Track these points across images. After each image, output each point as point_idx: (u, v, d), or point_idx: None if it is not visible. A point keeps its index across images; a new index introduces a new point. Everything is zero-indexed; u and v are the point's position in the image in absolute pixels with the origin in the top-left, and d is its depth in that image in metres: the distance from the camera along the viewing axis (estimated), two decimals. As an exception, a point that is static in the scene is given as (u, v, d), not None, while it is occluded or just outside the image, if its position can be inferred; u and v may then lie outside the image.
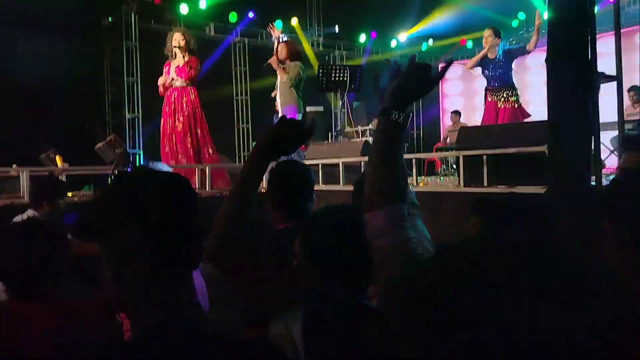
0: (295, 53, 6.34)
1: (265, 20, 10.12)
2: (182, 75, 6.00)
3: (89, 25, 8.48)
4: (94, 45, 8.60)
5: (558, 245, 0.62)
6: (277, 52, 6.29)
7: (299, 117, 6.25)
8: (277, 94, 6.35)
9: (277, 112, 6.47)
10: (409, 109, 1.27)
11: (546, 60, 3.40)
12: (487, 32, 6.23)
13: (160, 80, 6.11)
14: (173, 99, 6.03)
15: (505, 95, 6.14)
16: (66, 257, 1.77)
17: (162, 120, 6.16)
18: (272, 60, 6.17)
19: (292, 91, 6.17)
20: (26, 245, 1.64)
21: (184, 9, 9.12)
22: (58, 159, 5.40)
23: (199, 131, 6.06)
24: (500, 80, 6.18)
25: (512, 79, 6.25)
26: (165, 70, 6.14)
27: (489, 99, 6.28)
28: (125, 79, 8.61)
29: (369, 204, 1.26)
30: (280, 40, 6.46)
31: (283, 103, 6.21)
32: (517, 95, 6.23)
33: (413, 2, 10.37)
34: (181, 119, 5.94)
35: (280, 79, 6.19)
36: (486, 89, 6.36)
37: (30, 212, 3.54)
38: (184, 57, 6.00)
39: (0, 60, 7.46)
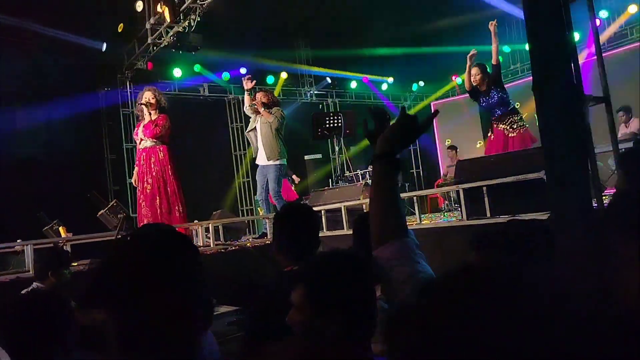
0: (276, 101, 6.53)
1: (257, 77, 10.41)
2: (147, 133, 5.76)
3: (86, 96, 8.69)
4: (92, 115, 8.79)
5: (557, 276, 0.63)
6: (254, 99, 6.46)
7: (283, 167, 6.41)
8: (259, 144, 6.40)
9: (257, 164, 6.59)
10: (398, 156, 1.37)
11: (533, 89, 3.47)
12: (474, 71, 6.25)
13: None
14: (142, 161, 5.81)
15: (510, 121, 6.07)
16: (72, 326, 1.76)
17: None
18: (258, 103, 6.31)
19: (276, 137, 6.26)
20: (31, 317, 1.63)
21: (177, 72, 9.37)
22: (62, 230, 5.41)
23: (169, 189, 5.78)
24: (500, 107, 6.12)
25: (511, 103, 6.18)
26: (137, 130, 5.97)
27: (498, 128, 6.19)
28: (124, 145, 8.75)
29: (378, 239, 1.33)
30: (257, 91, 6.63)
31: (270, 154, 6.27)
32: (522, 119, 6.14)
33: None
34: (150, 180, 5.69)
35: (266, 120, 6.27)
36: (492, 120, 6.33)
37: (35, 285, 3.53)
38: (151, 114, 5.79)
39: (2, 137, 7.63)
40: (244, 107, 6.77)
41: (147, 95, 5.81)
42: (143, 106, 5.77)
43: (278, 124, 6.26)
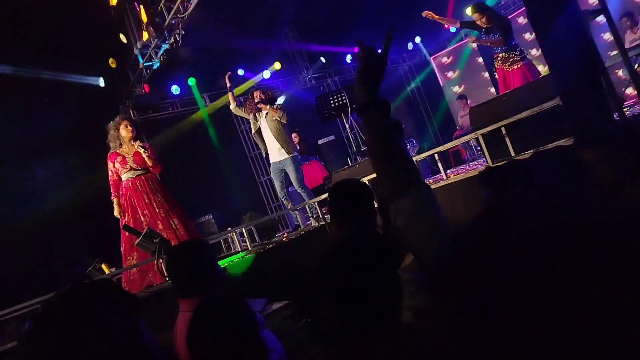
0: (273, 96, 6.55)
1: (256, 73, 10.40)
2: (141, 163, 5.47)
3: (95, 137, 8.79)
4: (103, 152, 8.90)
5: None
6: (252, 98, 6.48)
7: (297, 157, 6.46)
8: (271, 141, 6.43)
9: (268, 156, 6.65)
10: (379, 95, 1.28)
11: (527, 18, 3.39)
12: (475, 16, 6.15)
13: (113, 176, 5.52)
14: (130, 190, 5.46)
15: (507, 57, 6.03)
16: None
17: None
18: (259, 103, 6.34)
19: (282, 130, 6.31)
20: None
21: (175, 90, 9.42)
22: (104, 267, 5.52)
23: (161, 211, 5.45)
24: (500, 44, 6.08)
25: (513, 43, 6.09)
26: (115, 161, 5.49)
27: (497, 66, 6.20)
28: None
29: (392, 193, 1.22)
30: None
31: (285, 148, 6.33)
32: (522, 56, 6.07)
33: (388, 10, 10.43)
34: (146, 212, 5.36)
35: (272, 116, 6.30)
36: (492, 57, 6.30)
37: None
38: (133, 143, 5.48)
39: (23, 191, 7.81)
40: (230, 107, 6.78)
41: (127, 124, 5.50)
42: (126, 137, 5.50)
43: (287, 116, 6.32)
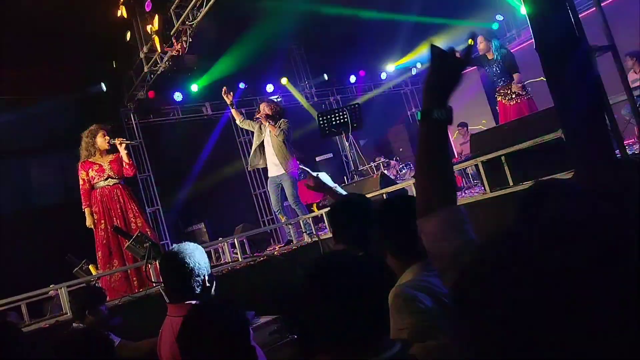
0: (280, 110, 6.52)
1: (256, 88, 10.44)
2: (118, 171, 5.43)
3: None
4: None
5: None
6: (259, 111, 6.49)
7: (299, 169, 6.44)
8: (270, 155, 6.44)
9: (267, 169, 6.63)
10: (448, 104, 1.20)
11: (536, 49, 3.41)
12: (479, 39, 6.29)
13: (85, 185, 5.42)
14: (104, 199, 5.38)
15: (509, 92, 6.17)
16: None
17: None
18: (262, 117, 6.34)
19: (286, 145, 6.31)
20: (74, 356, 1.63)
21: (178, 96, 9.42)
22: (91, 268, 5.45)
23: (138, 221, 5.40)
24: (503, 79, 6.23)
25: (510, 75, 6.24)
26: (90, 169, 5.40)
27: (498, 99, 6.36)
28: (138, 177, 8.81)
29: (423, 209, 1.17)
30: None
31: (283, 163, 6.31)
32: (524, 90, 6.21)
33: (394, 37, 10.54)
34: (120, 222, 5.28)
35: (272, 132, 6.30)
36: (496, 91, 6.45)
37: (75, 326, 3.56)
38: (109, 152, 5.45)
39: (18, 189, 7.75)
40: (237, 122, 6.82)
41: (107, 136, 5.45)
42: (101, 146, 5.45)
43: (284, 136, 6.28)
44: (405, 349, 1.17)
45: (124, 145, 5.44)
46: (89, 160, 5.46)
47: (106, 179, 5.40)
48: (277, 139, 6.30)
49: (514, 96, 6.15)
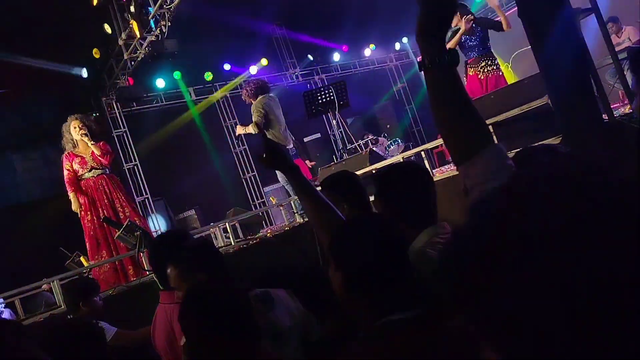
0: (256, 89, 6.40)
1: (242, 67, 10.30)
2: (100, 161, 5.35)
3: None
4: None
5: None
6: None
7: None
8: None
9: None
10: (445, 44, 1.13)
11: (519, 16, 3.38)
12: (455, 19, 6.12)
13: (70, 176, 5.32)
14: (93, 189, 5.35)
15: (483, 64, 6.00)
16: (104, 355, 1.75)
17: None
18: (239, 130, 6.34)
19: (270, 127, 6.20)
20: (65, 348, 1.61)
21: (160, 83, 9.28)
22: (83, 259, 5.40)
23: (126, 210, 5.39)
24: (477, 50, 6.06)
25: (489, 48, 6.11)
26: (74, 162, 5.33)
27: (470, 73, 6.12)
28: (124, 166, 8.72)
29: (462, 155, 1.10)
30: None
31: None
32: (496, 64, 6.08)
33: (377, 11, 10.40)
34: (108, 212, 5.24)
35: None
36: (465, 63, 6.24)
37: (69, 318, 3.53)
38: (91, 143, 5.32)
39: (3, 184, 7.65)
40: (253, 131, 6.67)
41: (77, 125, 5.33)
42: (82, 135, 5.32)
43: (258, 117, 6.17)
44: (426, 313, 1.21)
45: (93, 147, 5.31)
46: (72, 152, 5.39)
47: (90, 170, 5.34)
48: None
49: (492, 69, 5.98)
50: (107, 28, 7.55)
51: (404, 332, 1.18)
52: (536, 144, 2.99)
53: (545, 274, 0.46)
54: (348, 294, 1.29)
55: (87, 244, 5.24)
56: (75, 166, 5.33)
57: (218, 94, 10.25)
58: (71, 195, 5.30)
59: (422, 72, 1.13)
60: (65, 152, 5.43)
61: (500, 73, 6.11)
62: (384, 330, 1.21)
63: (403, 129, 12.42)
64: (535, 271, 0.46)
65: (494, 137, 1.19)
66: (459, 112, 1.10)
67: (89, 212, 5.27)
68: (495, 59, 6.14)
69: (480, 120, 1.12)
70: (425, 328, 1.15)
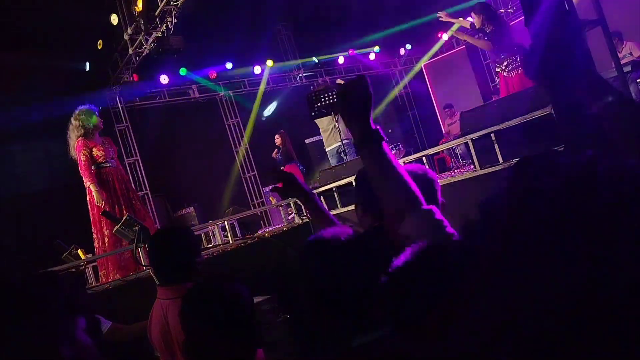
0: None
1: (246, 65, 10.30)
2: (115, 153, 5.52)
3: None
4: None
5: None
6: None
7: None
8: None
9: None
10: (373, 126, 1.28)
11: (525, 25, 3.39)
12: (473, 14, 6.07)
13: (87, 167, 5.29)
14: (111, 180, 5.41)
15: (506, 63, 5.91)
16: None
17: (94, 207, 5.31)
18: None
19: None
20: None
21: (164, 79, 9.28)
22: (80, 252, 5.40)
23: (137, 203, 5.47)
24: (500, 49, 5.95)
25: (512, 47, 5.94)
26: (94, 148, 5.36)
27: (499, 72, 6.07)
28: (125, 161, 8.72)
29: (394, 218, 1.24)
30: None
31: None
32: (519, 61, 5.90)
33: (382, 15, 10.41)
34: (123, 202, 5.33)
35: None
36: (495, 64, 6.18)
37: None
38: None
39: (3, 175, 7.64)
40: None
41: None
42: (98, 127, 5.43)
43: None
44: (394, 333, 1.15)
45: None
46: (88, 139, 5.34)
47: (110, 159, 5.38)
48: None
49: (516, 66, 5.89)
50: (114, 19, 7.53)
51: (383, 354, 1.12)
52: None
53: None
54: (316, 315, 1.24)
55: (107, 230, 5.17)
56: (97, 152, 5.32)
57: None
58: (92, 187, 5.21)
59: (357, 150, 1.31)
60: (80, 138, 5.32)
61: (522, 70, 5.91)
62: (362, 353, 1.15)
63: (404, 133, 12.44)
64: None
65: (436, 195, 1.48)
66: (388, 183, 1.26)
67: (108, 203, 5.25)
68: (516, 56, 5.95)
69: (409, 188, 1.26)
70: (399, 349, 1.08)
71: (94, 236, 5.33)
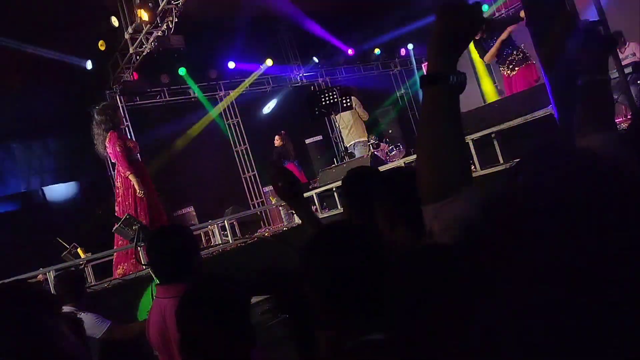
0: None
1: (245, 69, 10.29)
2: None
3: (79, 120, 8.62)
4: (88, 137, 8.74)
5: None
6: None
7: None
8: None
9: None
10: (459, 69, 1.01)
11: (527, 25, 3.38)
12: None
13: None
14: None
15: (509, 61, 5.85)
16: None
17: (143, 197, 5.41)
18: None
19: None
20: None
21: (165, 78, 9.27)
22: (80, 251, 5.40)
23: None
24: (506, 48, 5.91)
25: (514, 44, 5.93)
26: (127, 140, 5.62)
27: (503, 72, 6.06)
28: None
29: (437, 192, 0.98)
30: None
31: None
32: (524, 55, 5.86)
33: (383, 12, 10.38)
34: (155, 194, 5.60)
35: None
36: (497, 64, 6.16)
37: (67, 309, 3.51)
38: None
39: (2, 174, 7.64)
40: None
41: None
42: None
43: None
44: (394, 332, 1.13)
45: None
46: (118, 132, 5.48)
47: (137, 153, 5.52)
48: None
49: (517, 63, 5.84)
50: (115, 21, 7.54)
51: (379, 355, 1.07)
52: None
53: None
54: (322, 310, 1.19)
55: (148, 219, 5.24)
56: (131, 144, 5.46)
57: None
58: (133, 178, 5.30)
59: (422, 87, 1.01)
60: (111, 130, 5.40)
61: (530, 62, 5.86)
62: (356, 353, 1.11)
63: (405, 134, 12.42)
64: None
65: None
66: (448, 141, 0.98)
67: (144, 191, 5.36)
68: (520, 50, 5.92)
69: (467, 156, 1.07)
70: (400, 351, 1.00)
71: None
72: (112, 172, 8.80)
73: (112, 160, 5.66)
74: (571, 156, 0.60)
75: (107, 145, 5.37)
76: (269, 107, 10.93)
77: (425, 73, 1.01)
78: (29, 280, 4.24)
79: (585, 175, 0.50)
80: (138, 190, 5.28)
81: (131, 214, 5.16)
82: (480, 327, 0.50)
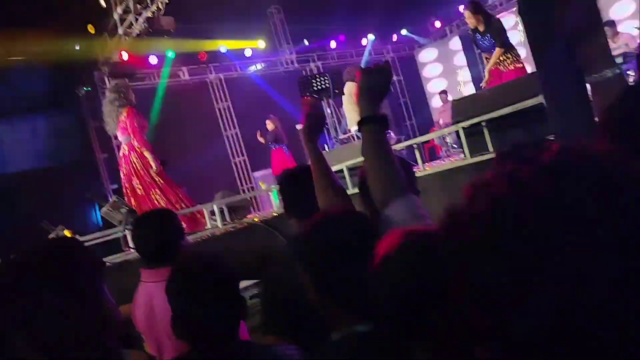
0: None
1: (236, 52, 10.20)
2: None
3: (66, 101, 8.52)
4: (75, 118, 8.64)
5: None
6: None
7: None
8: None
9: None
10: (382, 112, 1.40)
11: (520, 13, 3.37)
12: (466, 14, 6.07)
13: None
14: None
15: (503, 59, 5.90)
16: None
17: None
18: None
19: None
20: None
21: (153, 60, 9.15)
22: (67, 233, 5.35)
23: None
24: (493, 47, 5.95)
25: (505, 42, 5.97)
26: (140, 118, 5.80)
27: (492, 67, 6.04)
28: (113, 142, 8.62)
29: (382, 202, 1.31)
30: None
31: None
32: (517, 56, 5.95)
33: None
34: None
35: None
36: (486, 59, 6.19)
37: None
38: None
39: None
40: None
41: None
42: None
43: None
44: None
45: None
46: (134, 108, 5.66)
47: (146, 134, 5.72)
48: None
49: (512, 61, 5.89)
50: (102, 2, 7.42)
51: (365, 347, 1.08)
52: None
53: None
54: (316, 297, 1.19)
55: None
56: (145, 123, 5.64)
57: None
58: (148, 154, 5.55)
59: (359, 128, 1.40)
60: (128, 107, 5.55)
61: (521, 65, 5.96)
62: (342, 344, 1.12)
63: (396, 121, 12.41)
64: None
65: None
66: (381, 164, 1.35)
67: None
68: (515, 52, 6.00)
69: (399, 174, 1.35)
70: (389, 344, 1.02)
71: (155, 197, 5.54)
72: (99, 154, 8.76)
73: (122, 136, 5.73)
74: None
75: (125, 120, 5.48)
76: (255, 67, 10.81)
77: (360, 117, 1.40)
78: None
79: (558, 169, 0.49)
80: (154, 167, 5.49)
81: (154, 188, 5.47)
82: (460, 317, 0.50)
